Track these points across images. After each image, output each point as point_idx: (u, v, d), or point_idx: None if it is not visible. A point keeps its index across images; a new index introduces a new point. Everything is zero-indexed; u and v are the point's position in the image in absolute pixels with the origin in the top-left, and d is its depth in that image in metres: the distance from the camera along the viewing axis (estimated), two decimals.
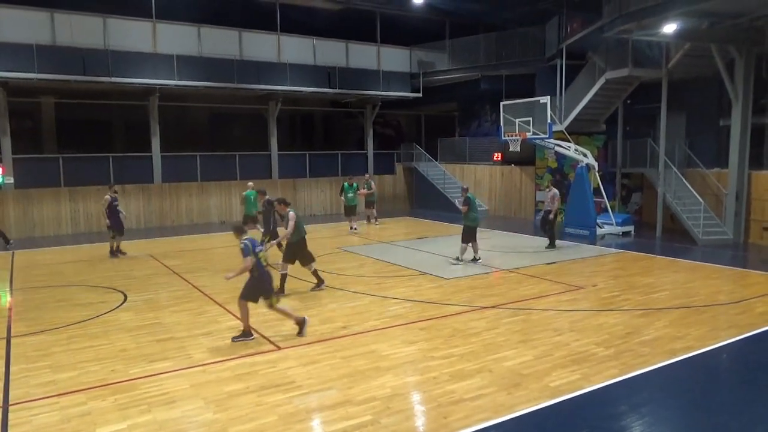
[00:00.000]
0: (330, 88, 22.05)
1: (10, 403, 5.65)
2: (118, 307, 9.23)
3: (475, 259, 12.34)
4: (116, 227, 13.81)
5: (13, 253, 14.76)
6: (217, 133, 25.41)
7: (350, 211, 18.41)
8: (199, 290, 10.31)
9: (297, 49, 21.66)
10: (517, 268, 11.88)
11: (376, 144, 26.31)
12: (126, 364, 6.63)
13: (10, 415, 5.37)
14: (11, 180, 17.62)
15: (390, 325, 8.03)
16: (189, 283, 10.94)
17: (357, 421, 5.11)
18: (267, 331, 7.77)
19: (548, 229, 14.33)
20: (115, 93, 20.38)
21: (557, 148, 16.79)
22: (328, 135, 30.01)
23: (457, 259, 12.35)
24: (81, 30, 17.73)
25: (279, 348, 7.12)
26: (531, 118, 16.31)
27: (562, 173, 20.07)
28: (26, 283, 11.23)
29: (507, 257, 13.22)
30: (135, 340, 7.52)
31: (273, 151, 22.40)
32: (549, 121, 15.98)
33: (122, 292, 10.17)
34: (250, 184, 15.71)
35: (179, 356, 6.88)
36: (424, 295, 9.72)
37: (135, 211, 19.42)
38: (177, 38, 19.32)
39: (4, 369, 6.54)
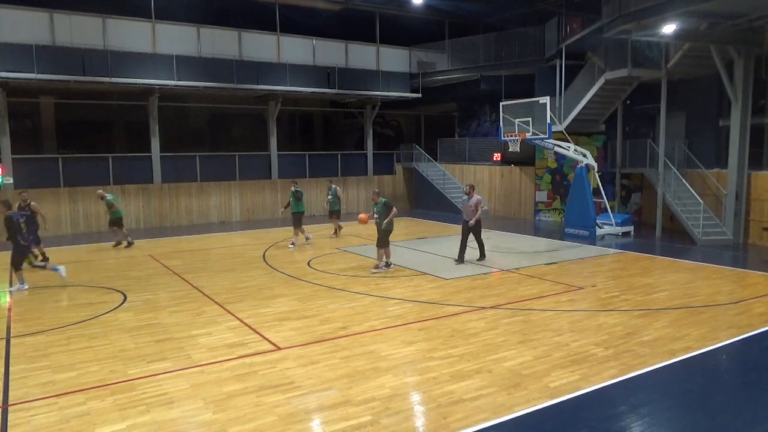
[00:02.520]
0: (329, 88, 22.05)
1: (9, 403, 5.65)
2: (117, 307, 9.22)
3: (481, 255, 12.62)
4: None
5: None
6: (216, 134, 25.42)
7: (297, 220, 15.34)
8: (199, 290, 10.30)
9: (296, 49, 21.66)
10: (517, 269, 11.89)
11: (376, 144, 26.33)
12: (125, 365, 6.62)
13: (10, 416, 5.37)
14: (11, 180, 17.59)
15: (389, 325, 8.03)
16: (188, 283, 10.93)
17: (356, 422, 5.11)
18: (267, 331, 7.76)
19: (476, 238, 12.58)
20: (115, 93, 20.39)
21: (557, 149, 16.80)
22: (327, 135, 30.02)
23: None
24: (80, 30, 17.71)
25: (278, 348, 7.12)
26: (530, 119, 16.31)
27: (561, 173, 20.08)
28: (29, 282, 11.21)
29: (506, 257, 13.23)
30: (134, 340, 7.51)
31: (273, 151, 22.39)
32: (548, 121, 15.99)
33: (122, 293, 10.16)
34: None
35: (178, 356, 6.88)
36: (424, 295, 9.72)
37: (135, 212, 19.44)
38: (176, 38, 19.30)
39: (3, 369, 6.53)
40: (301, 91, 21.53)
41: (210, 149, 22.70)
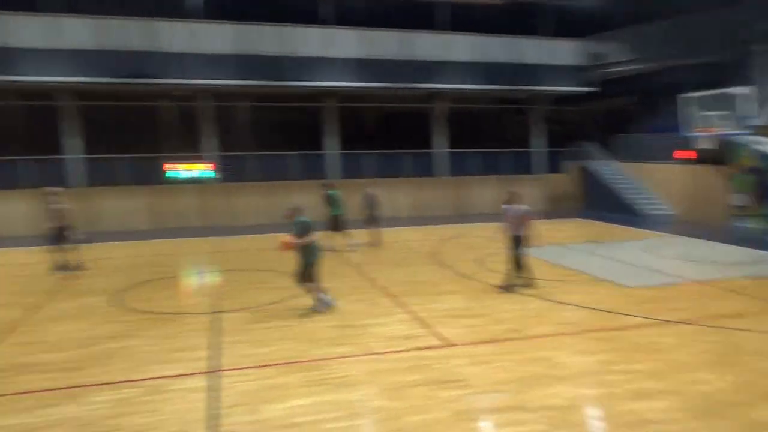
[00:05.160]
0: (497, 85, 21.75)
1: (220, 369, 6.51)
2: (304, 293, 10.08)
3: None
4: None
5: (220, 239, 16.90)
6: (386, 133, 26.50)
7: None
8: (374, 282, 10.86)
9: (463, 46, 21.72)
10: (710, 280, 10.69)
11: (545, 142, 25.39)
12: (312, 346, 7.25)
13: (221, 380, 6.19)
14: (218, 175, 20.23)
15: (565, 332, 7.75)
16: (365, 274, 11.58)
17: (529, 429, 5.03)
18: (439, 327, 7.95)
19: (518, 259, 9.91)
20: (299, 96, 22.23)
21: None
22: (494, 133, 29.62)
23: None
24: (267, 39, 19.69)
25: (450, 344, 7.26)
26: (724, 112, 14.48)
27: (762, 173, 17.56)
28: (230, 265, 12.81)
29: (697, 267, 11.96)
30: (318, 324, 8.18)
31: (440, 149, 22.73)
32: (751, 114, 14.06)
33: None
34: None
35: (357, 343, 7.34)
36: (602, 303, 9.20)
37: (311, 207, 21.15)
38: (350, 42, 20.52)
39: (215, 340, 7.54)
40: (468, 89, 21.55)
41: (380, 147, 23.76)
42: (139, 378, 6.27)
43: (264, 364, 6.65)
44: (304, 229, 8.69)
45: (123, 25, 18.55)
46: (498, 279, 10.54)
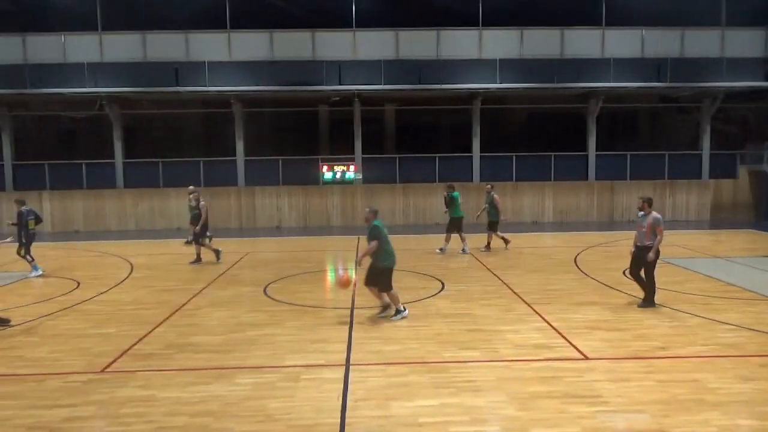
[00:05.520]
0: (659, 82, 20.04)
1: (351, 363, 6.78)
2: (436, 294, 10.16)
3: None
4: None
5: (358, 239, 17.60)
6: (533, 134, 25.63)
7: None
8: (509, 287, 10.59)
9: (621, 42, 20.33)
10: None
11: (714, 143, 22.84)
12: (440, 347, 7.26)
13: (351, 373, 6.44)
14: (360, 176, 21.09)
15: (720, 353, 6.93)
16: (499, 279, 11.34)
17: None
18: (575, 338, 7.54)
19: (646, 275, 9.00)
20: (444, 99, 22.37)
21: None
22: (654, 134, 27.30)
23: None
24: (418, 43, 20.11)
25: (586, 357, 6.84)
26: None
27: None
28: (368, 264, 13.25)
29: None
30: (448, 326, 8.17)
31: (590, 151, 21.51)
32: None
33: (440, 281, 11.15)
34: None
35: (486, 348, 7.21)
36: (766, 324, 8.09)
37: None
38: (500, 43, 20.20)
39: (348, 334, 7.86)
40: (627, 87, 20.13)
41: (526, 150, 23.05)
42: (279, 365, 6.73)
43: (393, 361, 6.79)
44: (372, 234, 8.48)
45: (288, 38, 20.21)
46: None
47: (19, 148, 21.76)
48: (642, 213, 8.98)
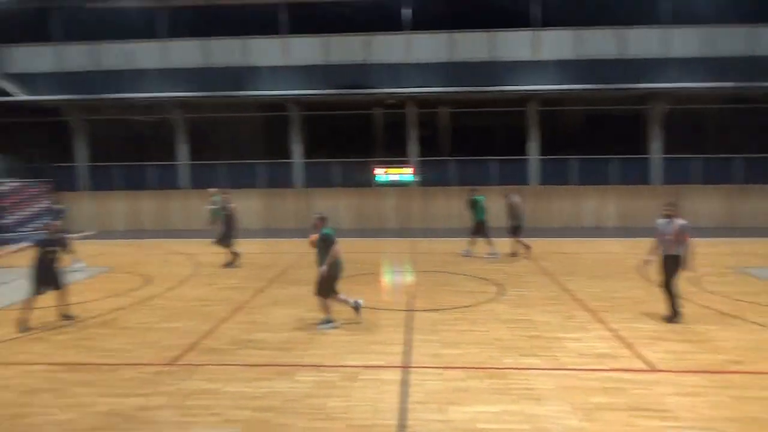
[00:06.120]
0: (729, 81, 19.10)
1: (410, 365, 6.78)
2: (494, 298, 10.04)
3: None
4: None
5: (414, 241, 17.62)
6: (592, 137, 24.93)
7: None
8: (570, 294, 10.34)
9: (685, 41, 19.51)
10: None
11: None
12: (500, 353, 7.17)
13: (410, 376, 6.45)
14: (416, 179, 21.10)
15: None
16: (560, 285, 11.09)
17: None
18: (641, 348, 7.28)
19: (667, 285, 8.47)
20: (498, 101, 22.07)
21: None
22: (720, 136, 26.02)
23: None
24: (472, 45, 19.97)
25: (653, 369, 6.59)
26: None
27: None
28: (425, 266, 13.27)
29: None
30: (508, 332, 8.05)
31: (653, 154, 20.73)
32: None
33: (498, 285, 11.00)
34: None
35: (546, 356, 7.07)
36: None
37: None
38: (556, 44, 19.78)
39: (406, 336, 7.88)
40: (692, 88, 19.29)
41: (585, 152, 22.45)
42: (338, 364, 6.82)
43: (452, 365, 6.75)
44: (325, 243, 8.20)
45: (343, 42, 20.49)
46: (716, 301, 9.29)
47: (93, 150, 22.95)
48: (666, 220, 8.43)
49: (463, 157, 21.83)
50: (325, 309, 8.38)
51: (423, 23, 20.34)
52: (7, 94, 20.82)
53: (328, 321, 8.34)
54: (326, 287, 8.29)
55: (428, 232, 19.46)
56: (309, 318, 8.80)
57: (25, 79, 21.26)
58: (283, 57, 20.66)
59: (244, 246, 13.90)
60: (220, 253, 13.58)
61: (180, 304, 9.89)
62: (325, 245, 8.17)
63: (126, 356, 7.22)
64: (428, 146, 23.69)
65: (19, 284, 9.82)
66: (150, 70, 20.96)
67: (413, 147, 21.28)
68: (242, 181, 21.66)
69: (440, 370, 6.60)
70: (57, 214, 13.27)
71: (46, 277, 8.57)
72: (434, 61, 19.99)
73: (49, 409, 5.72)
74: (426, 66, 20.01)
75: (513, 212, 14.01)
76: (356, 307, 8.56)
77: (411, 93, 20.09)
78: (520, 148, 21.43)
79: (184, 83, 20.70)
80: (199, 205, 21.50)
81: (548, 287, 10.95)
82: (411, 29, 20.34)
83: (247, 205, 21.31)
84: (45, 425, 5.43)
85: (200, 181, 21.93)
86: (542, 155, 20.99)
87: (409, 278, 12.79)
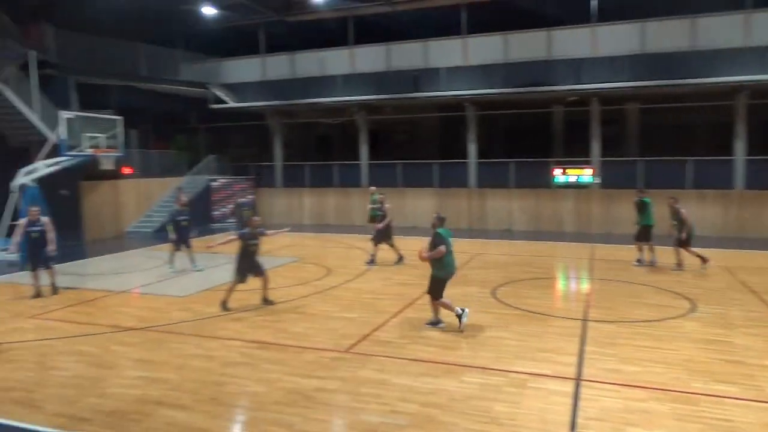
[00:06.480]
0: None
1: (582, 378, 6.43)
2: (684, 315, 9.05)
3: None
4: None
5: (593, 246, 16.60)
6: None
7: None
8: None
9: None
10: None
11: None
12: (688, 376, 6.45)
13: (582, 389, 6.11)
14: (598, 180, 19.80)
15: None
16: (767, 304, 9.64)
17: None
18: None
19: None
20: (697, 95, 19.75)
21: None
22: None
23: None
24: (668, 35, 18.08)
25: None
26: None
27: None
28: (602, 274, 12.45)
29: None
30: (701, 353, 7.20)
31: None
32: None
33: (690, 300, 9.90)
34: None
35: (747, 384, 6.19)
36: None
37: (711, 218, 18.34)
38: None
39: (579, 347, 7.47)
40: None
41: None
42: (505, 369, 6.71)
43: (630, 383, 6.25)
44: (433, 240, 8.28)
45: (523, 38, 20.02)
46: None
47: (286, 151, 25.39)
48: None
49: (653, 157, 19.99)
50: (434, 309, 8.47)
51: (611, 13, 18.92)
52: (223, 102, 23.92)
53: (436, 322, 8.45)
54: (436, 288, 8.38)
55: (609, 238, 18.15)
56: (477, 319, 8.77)
57: (236, 88, 24.22)
58: (462, 57, 20.79)
59: (401, 244, 14.13)
60: (389, 250, 14.06)
61: (356, 296, 10.52)
62: (433, 244, 8.28)
63: (309, 340, 7.89)
64: (613, 145, 22.12)
65: (226, 268, 11.26)
66: (338, 76, 22.52)
67: (595, 146, 19.99)
68: (418, 180, 22.29)
69: (617, 387, 6.15)
70: (245, 205, 15.00)
71: (249, 266, 9.63)
72: (623, 53, 18.49)
73: (243, 380, 6.49)
74: (613, 60, 18.60)
75: (679, 218, 12.59)
76: (459, 316, 8.28)
77: (596, 89, 18.89)
78: (724, 147, 18.95)
79: (368, 87, 21.89)
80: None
81: (752, 306, 9.56)
82: (598, 21, 19.08)
83: (420, 204, 21.88)
84: (240, 394, 6.17)
85: (378, 181, 22.99)
86: (751, 155, 18.31)
87: (584, 285, 12.11)
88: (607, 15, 19.01)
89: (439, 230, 8.40)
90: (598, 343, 7.60)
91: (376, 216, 14.26)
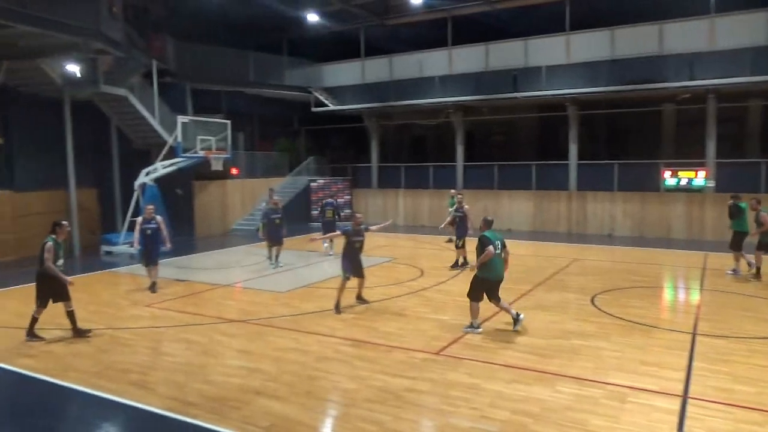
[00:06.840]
0: None
1: (689, 395, 6.01)
2: None
3: None
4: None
5: (706, 255, 15.41)
6: None
7: None
8: None
9: None
10: None
11: None
12: None
13: (688, 407, 5.71)
14: (713, 183, 18.32)
15: None
16: None
17: None
18: None
19: None
20: None
21: None
22: None
23: None
24: None
25: None
26: None
27: None
28: (714, 285, 11.53)
29: None
30: None
31: None
32: None
33: None
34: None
35: None
36: None
37: None
38: None
39: (687, 362, 6.98)
40: None
41: None
42: (602, 380, 6.41)
43: (744, 404, 5.75)
44: (480, 245, 8.19)
45: (631, 33, 18.97)
46: None
47: (382, 152, 25.77)
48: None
49: None
50: (472, 312, 8.33)
51: (732, 2, 17.42)
52: (324, 105, 24.74)
53: (473, 326, 8.33)
54: (475, 291, 8.30)
55: (724, 246, 16.70)
56: (574, 328, 8.46)
57: (336, 92, 24.95)
58: (564, 55, 20.06)
59: (512, 248, 13.82)
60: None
61: (447, 298, 10.49)
62: (480, 248, 8.14)
63: (399, 340, 7.97)
64: (731, 146, 20.45)
65: (320, 266, 11.63)
66: (435, 77, 22.53)
67: (711, 147, 18.51)
68: (514, 182, 21.79)
69: (729, 408, 5.68)
70: (330, 206, 15.51)
71: (355, 265, 9.76)
72: (745, 45, 16.97)
73: (335, 376, 6.69)
74: (733, 52, 17.13)
75: (759, 222, 11.67)
76: (516, 320, 8.26)
77: (714, 85, 17.52)
78: None
79: (465, 87, 21.71)
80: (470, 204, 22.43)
81: None
82: (716, 12, 17.66)
83: (517, 207, 21.40)
84: (332, 389, 6.37)
85: (474, 182, 22.74)
86: None
87: (693, 296, 11.28)
88: (724, 5, 17.55)
89: (486, 233, 8.28)
90: (708, 359, 7.06)
91: (455, 217, 14.05)
